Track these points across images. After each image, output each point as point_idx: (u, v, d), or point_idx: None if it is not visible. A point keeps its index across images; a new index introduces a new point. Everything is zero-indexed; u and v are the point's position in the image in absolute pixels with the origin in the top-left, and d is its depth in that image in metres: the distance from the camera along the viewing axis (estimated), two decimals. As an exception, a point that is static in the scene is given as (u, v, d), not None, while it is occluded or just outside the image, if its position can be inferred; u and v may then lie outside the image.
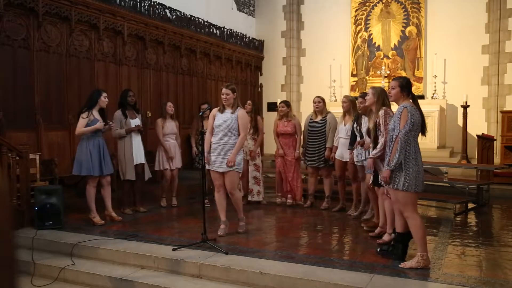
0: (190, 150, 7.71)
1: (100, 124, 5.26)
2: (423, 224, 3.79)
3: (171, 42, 9.32)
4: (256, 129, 6.53)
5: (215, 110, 4.90)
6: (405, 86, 3.80)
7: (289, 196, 6.59)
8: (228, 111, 4.79)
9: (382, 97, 4.46)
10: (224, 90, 4.80)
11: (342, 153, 5.93)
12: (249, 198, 6.62)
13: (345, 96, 6.17)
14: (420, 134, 3.76)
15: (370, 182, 4.72)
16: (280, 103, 6.78)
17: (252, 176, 6.61)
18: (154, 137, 6.75)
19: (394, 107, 4.48)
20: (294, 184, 6.56)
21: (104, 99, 5.37)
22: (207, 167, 4.82)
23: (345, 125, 5.93)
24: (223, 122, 4.73)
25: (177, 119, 6.89)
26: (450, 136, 10.62)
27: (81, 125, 5.20)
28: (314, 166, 6.38)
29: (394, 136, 3.68)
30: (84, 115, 5.24)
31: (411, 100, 3.82)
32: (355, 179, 5.88)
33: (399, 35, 11.63)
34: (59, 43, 6.94)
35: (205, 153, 4.79)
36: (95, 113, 5.32)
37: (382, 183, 3.83)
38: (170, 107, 6.47)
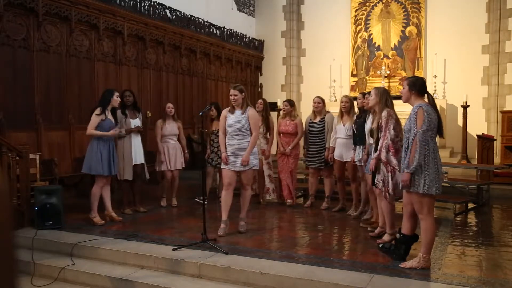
0: (191, 151, 7.73)
1: (112, 132, 5.34)
2: (435, 228, 3.73)
3: (171, 42, 9.32)
4: (268, 128, 6.57)
5: (225, 111, 4.97)
6: (413, 85, 3.69)
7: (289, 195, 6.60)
8: (238, 112, 4.86)
9: (385, 98, 4.42)
10: (232, 91, 4.86)
11: (341, 153, 5.92)
12: (267, 197, 6.70)
13: (346, 96, 6.15)
14: (437, 135, 3.65)
15: (370, 183, 4.71)
16: (284, 101, 6.79)
17: (267, 174, 6.66)
18: (154, 137, 6.74)
19: (400, 107, 4.48)
20: (287, 182, 6.57)
21: (116, 99, 5.43)
22: (222, 166, 4.90)
23: (344, 125, 5.91)
24: (234, 123, 4.81)
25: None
26: (450, 136, 10.59)
27: (93, 125, 5.23)
28: (315, 167, 6.37)
29: (411, 138, 3.55)
30: (98, 111, 5.27)
31: (426, 100, 3.71)
32: (354, 179, 5.88)
33: (399, 35, 11.63)
34: (59, 43, 6.94)
35: (223, 154, 4.88)
36: (108, 112, 5.37)
37: (400, 186, 3.72)
38: (168, 108, 6.47)
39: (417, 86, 3.69)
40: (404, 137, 3.76)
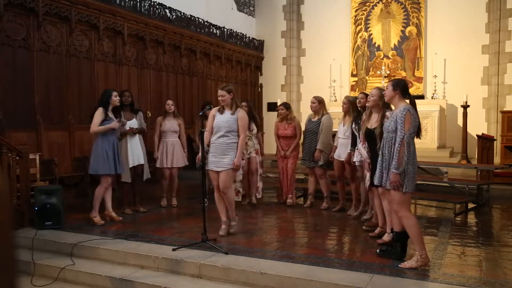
0: (192, 150, 7.72)
1: (114, 123, 5.33)
2: (417, 222, 3.81)
3: (171, 42, 9.32)
4: (257, 127, 6.63)
5: (214, 110, 4.89)
6: (397, 85, 3.81)
7: (289, 196, 6.59)
8: (227, 112, 4.78)
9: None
10: (219, 92, 4.81)
11: (339, 152, 5.93)
12: (257, 196, 6.68)
13: (346, 97, 6.17)
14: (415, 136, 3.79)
15: (368, 184, 4.71)
16: (279, 105, 6.78)
17: (259, 173, 6.67)
18: (153, 134, 6.72)
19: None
20: (287, 183, 6.58)
21: (115, 98, 5.43)
22: (206, 167, 4.80)
23: (343, 125, 5.93)
24: (223, 123, 4.73)
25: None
26: (450, 136, 10.62)
27: (96, 123, 5.24)
28: (306, 165, 6.41)
29: (398, 140, 3.64)
30: (100, 111, 5.26)
31: (408, 101, 3.82)
32: (353, 179, 5.88)
33: (399, 35, 11.63)
34: (59, 43, 6.95)
35: (198, 154, 4.76)
36: (110, 112, 5.38)
37: (389, 186, 3.74)
38: (167, 105, 6.47)
39: (401, 87, 3.82)
40: (386, 136, 3.82)
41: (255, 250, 4.33)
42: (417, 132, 3.77)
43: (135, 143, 5.90)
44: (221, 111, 4.82)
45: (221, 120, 4.75)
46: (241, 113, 4.79)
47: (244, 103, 6.68)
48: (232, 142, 4.71)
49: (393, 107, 4.06)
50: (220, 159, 4.70)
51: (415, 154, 3.75)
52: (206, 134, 4.79)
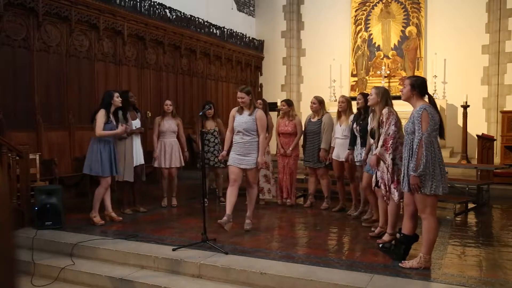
0: (191, 150, 7.73)
1: (122, 129, 5.36)
2: (438, 228, 3.73)
3: (171, 42, 9.32)
4: (267, 127, 6.58)
5: (234, 111, 5.09)
6: (416, 85, 3.65)
7: (289, 196, 6.58)
8: (246, 113, 4.97)
9: (385, 97, 4.43)
10: (239, 94, 4.98)
11: (338, 153, 5.92)
12: (260, 196, 6.63)
13: (343, 96, 6.14)
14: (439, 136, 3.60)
15: (374, 185, 4.67)
16: (281, 101, 6.78)
17: (262, 174, 6.62)
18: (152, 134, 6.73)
19: (400, 107, 4.44)
20: (287, 182, 6.57)
21: (117, 99, 5.43)
22: (228, 163, 5.01)
23: (340, 125, 5.92)
24: (242, 123, 4.93)
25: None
26: (450, 136, 10.57)
27: (100, 127, 5.24)
28: (310, 166, 6.39)
29: (416, 141, 3.51)
30: (102, 113, 5.27)
31: (426, 100, 3.69)
32: (352, 179, 5.88)
33: (399, 35, 11.63)
34: (59, 43, 6.94)
35: (224, 152, 5.08)
36: (111, 115, 5.38)
37: (407, 189, 3.63)
38: (166, 105, 6.47)
39: (419, 86, 3.66)
40: (406, 138, 3.70)
41: (255, 250, 4.33)
42: (441, 132, 3.60)
43: (138, 143, 5.95)
44: (240, 111, 5.01)
45: (240, 121, 4.95)
46: (259, 113, 4.97)
47: (259, 101, 6.70)
48: (255, 141, 4.95)
49: (401, 103, 3.93)
50: (244, 157, 4.92)
51: (440, 154, 3.56)
52: (228, 134, 5.11)
